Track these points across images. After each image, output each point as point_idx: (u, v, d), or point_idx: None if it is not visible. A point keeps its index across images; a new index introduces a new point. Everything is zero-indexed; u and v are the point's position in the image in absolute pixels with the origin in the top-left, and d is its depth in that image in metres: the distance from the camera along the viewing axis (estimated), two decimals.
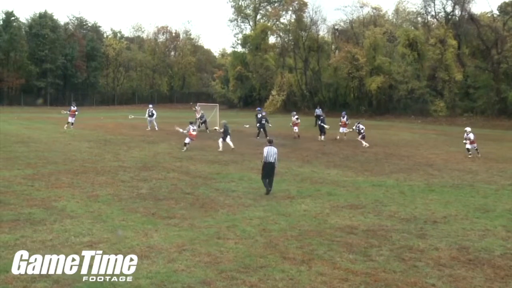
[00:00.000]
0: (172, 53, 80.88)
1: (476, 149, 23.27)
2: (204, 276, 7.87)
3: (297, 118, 30.07)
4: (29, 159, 18.52)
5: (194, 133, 23.16)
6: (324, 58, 62.50)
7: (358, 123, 27.37)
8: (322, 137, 28.38)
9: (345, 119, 29.33)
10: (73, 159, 19.10)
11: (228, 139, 23.27)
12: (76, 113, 31.72)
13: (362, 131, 26.64)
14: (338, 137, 28.98)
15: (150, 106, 33.28)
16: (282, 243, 9.57)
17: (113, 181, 14.98)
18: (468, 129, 23.64)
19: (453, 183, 16.41)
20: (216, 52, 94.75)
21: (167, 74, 78.00)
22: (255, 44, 63.76)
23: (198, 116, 31.82)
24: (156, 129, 31.76)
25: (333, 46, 66.38)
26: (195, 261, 8.49)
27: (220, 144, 23.03)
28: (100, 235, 9.68)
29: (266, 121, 28.65)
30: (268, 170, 14.06)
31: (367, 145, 25.88)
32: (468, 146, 22.98)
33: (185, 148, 22.40)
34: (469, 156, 22.70)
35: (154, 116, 32.28)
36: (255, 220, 11.15)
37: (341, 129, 29.22)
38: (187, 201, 12.77)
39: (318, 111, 39.14)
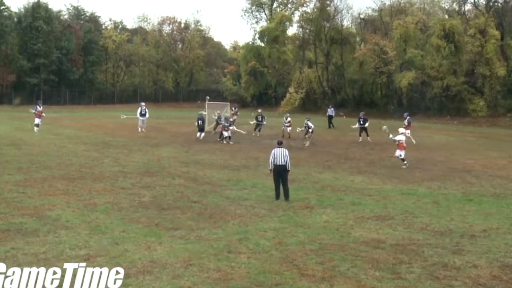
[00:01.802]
0: (179, 46, 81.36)
1: None
2: None
3: (288, 122, 31.52)
4: (21, 164, 18.75)
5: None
6: (348, 51, 62.41)
7: (308, 120, 28.07)
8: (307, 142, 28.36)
9: (406, 121, 29.95)
10: (69, 163, 19.30)
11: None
12: (43, 114, 31.36)
13: (310, 130, 27.30)
14: (414, 141, 29.19)
15: (143, 104, 33.51)
16: (300, 258, 9.56)
17: (113, 188, 15.10)
18: None
19: (494, 192, 16.26)
20: (227, 45, 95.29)
21: (173, 70, 78.37)
22: (273, 36, 63.85)
23: (233, 118, 32.59)
24: (144, 130, 31.79)
25: (358, 38, 66.22)
26: (202, 277, 8.53)
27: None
28: (98, 247, 9.79)
29: (262, 119, 31.53)
30: (279, 173, 14.13)
31: (307, 144, 26.83)
32: None
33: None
34: None
35: (147, 116, 32.46)
36: (270, 232, 11.16)
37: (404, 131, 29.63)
38: (194, 211, 12.83)
39: (330, 110, 39.28)
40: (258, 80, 67.31)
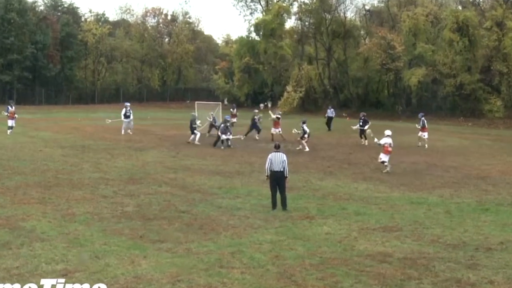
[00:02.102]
0: (166, 40, 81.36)
1: None
2: None
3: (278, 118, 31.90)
4: None
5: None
6: (352, 46, 62.58)
7: (304, 123, 27.90)
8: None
9: (421, 122, 30.14)
10: (45, 169, 19.27)
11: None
12: (16, 116, 31.15)
13: (306, 135, 27.33)
14: (419, 143, 29.73)
15: (127, 104, 33.44)
16: (299, 274, 9.59)
17: (93, 197, 15.10)
18: None
19: None
20: (219, 39, 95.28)
21: (159, 66, 78.33)
22: (269, 29, 63.90)
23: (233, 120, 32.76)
24: (130, 132, 31.82)
25: (363, 31, 66.44)
26: None
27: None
28: (76, 262, 9.77)
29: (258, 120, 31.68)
30: (276, 180, 14.19)
31: (298, 148, 27.06)
32: None
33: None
34: None
35: (131, 118, 32.40)
36: (265, 245, 11.19)
37: (421, 134, 30.09)
38: (183, 221, 12.85)
39: (330, 111, 39.37)
40: (252, 78, 67.34)
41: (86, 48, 72.65)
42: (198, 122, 29.37)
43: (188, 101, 67.45)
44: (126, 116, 32.28)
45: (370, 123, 30.38)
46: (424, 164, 23.69)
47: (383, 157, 21.23)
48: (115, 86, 76.06)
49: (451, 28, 51.90)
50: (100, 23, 75.67)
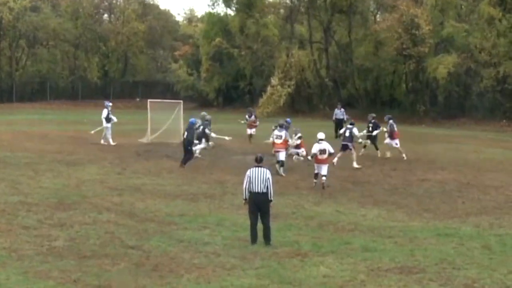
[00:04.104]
0: (106, 16, 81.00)
1: None
2: None
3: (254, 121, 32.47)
4: None
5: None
6: (358, 24, 62.64)
7: (298, 132, 27.97)
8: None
9: (390, 127, 29.84)
10: None
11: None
12: None
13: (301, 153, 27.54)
14: (403, 155, 29.62)
15: (109, 104, 33.00)
16: None
17: (10, 228, 14.99)
18: None
19: None
20: (179, 16, 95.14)
21: (99, 52, 77.96)
22: (246, 1, 63.81)
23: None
24: (106, 143, 31.78)
25: (373, 5, 66.62)
26: None
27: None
28: None
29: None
30: (257, 204, 14.26)
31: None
32: None
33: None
34: None
35: (114, 121, 32.03)
36: None
37: (390, 141, 29.88)
38: (131, 260, 12.83)
39: (340, 112, 39.20)
40: (225, 68, 67.24)
41: (0, 27, 72.05)
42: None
43: (138, 99, 67.19)
44: (109, 119, 31.92)
45: (381, 128, 30.27)
46: (454, 183, 23.83)
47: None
48: (39, 79, 75.24)
49: (490, 1, 51.93)
50: None
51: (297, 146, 27.98)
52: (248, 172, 14.48)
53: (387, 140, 29.89)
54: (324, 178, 21.99)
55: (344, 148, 26.65)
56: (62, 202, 18.13)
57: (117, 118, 32.49)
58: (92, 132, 33.44)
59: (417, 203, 19.80)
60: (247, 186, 14.36)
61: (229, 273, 12.25)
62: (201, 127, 28.20)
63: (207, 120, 29.09)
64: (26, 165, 24.59)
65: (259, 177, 14.29)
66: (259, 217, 14.33)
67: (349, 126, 27.56)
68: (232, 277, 12.01)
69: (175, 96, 60.42)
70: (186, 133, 26.11)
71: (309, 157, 22.87)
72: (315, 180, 22.12)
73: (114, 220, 16.18)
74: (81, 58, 76.62)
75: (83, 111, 57.91)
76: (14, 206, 17.35)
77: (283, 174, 24.37)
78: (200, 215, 17.13)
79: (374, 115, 31.69)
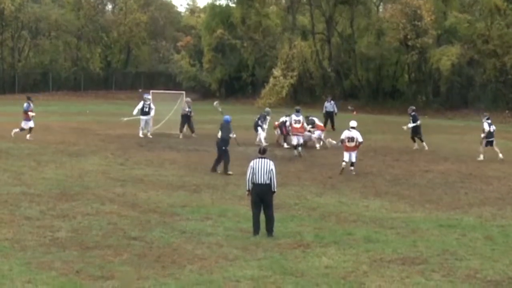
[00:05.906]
0: (109, 7, 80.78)
1: None
2: None
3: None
4: None
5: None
6: (361, 15, 62.62)
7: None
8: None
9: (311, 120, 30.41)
10: None
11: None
12: None
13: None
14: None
15: (148, 96, 32.65)
16: None
17: (12, 218, 15.02)
18: None
19: None
20: (181, 7, 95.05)
21: (101, 43, 77.78)
22: None
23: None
24: (150, 135, 31.74)
25: None
26: None
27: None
28: None
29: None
30: (260, 196, 14.28)
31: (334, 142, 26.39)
32: None
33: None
34: None
35: (152, 114, 31.85)
36: (244, 283, 11.22)
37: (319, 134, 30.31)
38: (134, 251, 12.85)
39: (330, 105, 39.09)
40: (228, 58, 67.16)
41: (2, 18, 71.94)
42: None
43: (140, 90, 67.03)
44: (145, 113, 31.71)
45: (419, 121, 29.87)
46: (456, 174, 23.85)
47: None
48: (41, 70, 75.31)
49: None
50: None
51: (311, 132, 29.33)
52: (251, 163, 14.47)
53: (316, 134, 30.19)
54: (352, 167, 22.96)
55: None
56: (65, 193, 18.18)
57: (136, 110, 32.14)
58: (125, 119, 33.59)
59: (420, 194, 19.84)
60: (250, 177, 14.37)
61: (231, 264, 12.27)
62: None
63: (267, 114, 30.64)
64: (28, 156, 24.65)
65: (262, 168, 14.27)
66: (261, 208, 14.32)
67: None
68: (235, 268, 12.03)
69: (177, 87, 60.19)
70: (220, 132, 23.56)
71: (337, 143, 23.98)
72: (343, 164, 22.91)
73: (117, 211, 16.22)
74: (84, 49, 76.55)
75: (85, 102, 57.96)
76: (16, 197, 17.41)
77: (301, 155, 26.44)
78: (203, 206, 17.16)
79: (413, 107, 31.60)
